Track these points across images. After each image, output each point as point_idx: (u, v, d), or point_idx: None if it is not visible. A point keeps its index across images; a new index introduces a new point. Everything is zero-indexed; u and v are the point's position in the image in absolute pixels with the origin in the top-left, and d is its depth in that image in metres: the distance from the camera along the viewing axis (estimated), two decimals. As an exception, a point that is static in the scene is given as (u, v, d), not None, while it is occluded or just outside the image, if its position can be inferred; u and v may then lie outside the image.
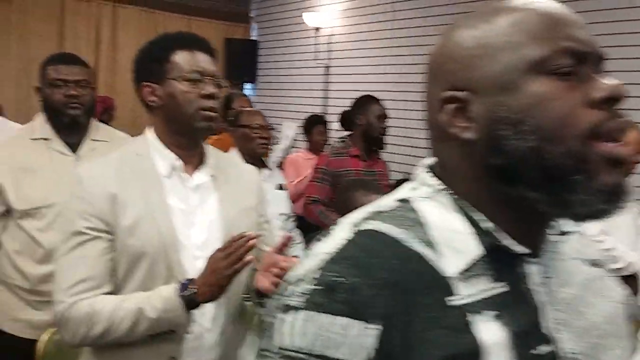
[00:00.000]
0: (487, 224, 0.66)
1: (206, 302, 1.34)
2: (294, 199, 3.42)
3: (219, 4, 7.01)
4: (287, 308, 0.61)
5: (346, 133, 4.72)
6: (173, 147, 1.45)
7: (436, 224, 0.65)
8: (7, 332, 2.00)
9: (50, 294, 1.90)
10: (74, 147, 2.08)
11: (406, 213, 0.67)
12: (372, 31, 5.58)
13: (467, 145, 0.66)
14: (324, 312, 0.58)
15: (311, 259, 0.64)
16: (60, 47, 5.98)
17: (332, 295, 0.59)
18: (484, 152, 0.65)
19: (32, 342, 1.89)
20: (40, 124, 2.08)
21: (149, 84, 1.43)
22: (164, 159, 1.44)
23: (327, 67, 6.08)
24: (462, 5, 4.78)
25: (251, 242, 1.28)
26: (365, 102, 3.20)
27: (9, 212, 1.99)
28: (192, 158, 1.47)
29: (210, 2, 6.95)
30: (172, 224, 1.39)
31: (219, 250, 1.32)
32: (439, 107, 0.69)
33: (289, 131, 4.58)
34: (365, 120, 3.13)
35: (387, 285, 0.59)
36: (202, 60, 1.43)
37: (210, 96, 1.40)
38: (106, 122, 5.60)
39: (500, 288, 0.64)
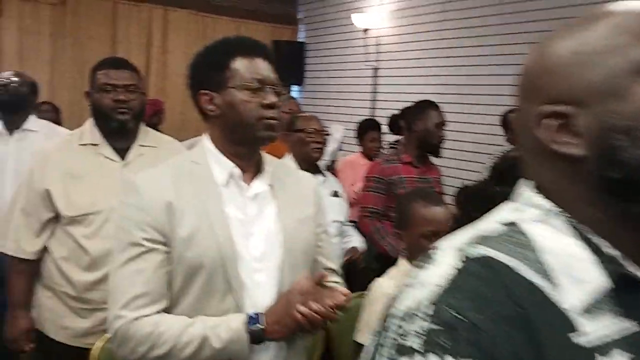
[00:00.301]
0: (611, 250, 0.59)
1: (273, 340, 1.31)
2: (354, 203, 3.34)
3: (266, 7, 7.01)
4: (403, 350, 0.55)
5: (395, 137, 4.70)
6: (231, 156, 1.41)
7: (551, 250, 0.59)
8: (54, 339, 2.00)
9: (95, 302, 1.93)
10: (122, 152, 2.07)
11: (515, 237, 0.61)
12: (422, 32, 5.47)
13: (575, 162, 0.60)
14: (451, 356, 0.52)
15: (419, 290, 0.58)
16: (113, 51, 6.10)
17: (455, 335, 0.53)
18: (598, 167, 0.59)
19: (77, 350, 1.90)
20: (89, 129, 2.08)
21: (206, 92, 1.39)
22: (221, 167, 1.40)
23: (376, 69, 5.99)
24: (514, 5, 4.63)
25: (340, 298, 1.22)
26: (425, 107, 3.08)
27: (57, 218, 1.99)
28: (250, 166, 1.43)
29: (258, 4, 6.96)
30: (231, 235, 1.35)
31: (298, 291, 1.27)
32: (537, 124, 0.63)
33: (336, 134, 4.52)
34: (423, 127, 3.02)
35: (512, 322, 0.53)
36: (263, 68, 1.39)
37: (271, 105, 1.36)
38: (155, 125, 5.71)
39: (633, 327, 0.57)
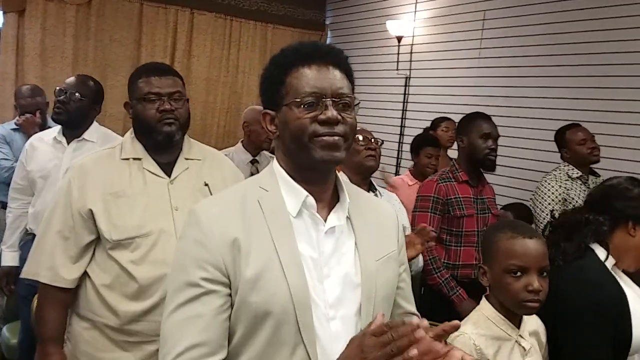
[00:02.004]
0: None
1: None
2: None
3: (294, 11, 6.82)
4: None
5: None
6: (301, 182, 1.20)
7: None
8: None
9: (143, 334, 1.71)
10: (166, 167, 1.87)
11: None
12: (459, 41, 5.23)
13: None
14: None
15: None
16: (137, 54, 5.93)
17: None
18: None
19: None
20: (129, 142, 1.88)
21: (268, 111, 1.22)
22: (293, 195, 1.19)
23: (408, 78, 5.76)
24: (557, 15, 4.39)
25: (418, 335, 0.96)
26: (470, 119, 2.86)
27: (98, 241, 1.79)
28: (323, 194, 1.22)
29: (286, 9, 6.76)
30: (304, 277, 1.13)
31: (371, 333, 1.03)
32: None
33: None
34: (467, 142, 2.79)
35: None
36: (322, 78, 1.17)
37: (328, 121, 1.14)
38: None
39: None
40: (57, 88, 2.83)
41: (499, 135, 2.81)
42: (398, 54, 5.70)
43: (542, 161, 4.32)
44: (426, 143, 3.87)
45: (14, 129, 3.82)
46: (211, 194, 1.86)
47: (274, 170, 1.22)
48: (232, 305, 1.12)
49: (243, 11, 6.48)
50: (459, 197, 2.76)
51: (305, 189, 1.18)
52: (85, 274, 1.81)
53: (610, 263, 1.77)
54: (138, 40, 5.93)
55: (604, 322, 1.65)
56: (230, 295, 1.12)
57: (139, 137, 1.88)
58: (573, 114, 4.13)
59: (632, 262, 1.79)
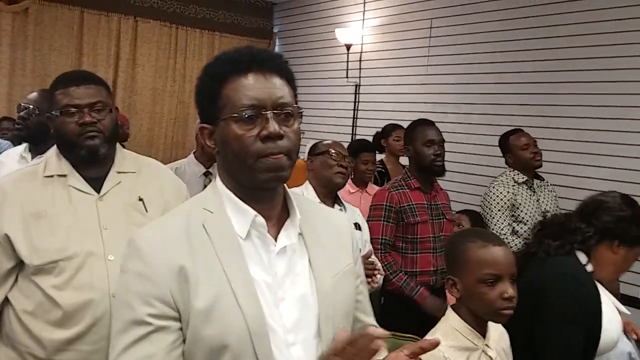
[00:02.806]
0: None
1: None
2: None
3: (241, 19, 6.74)
4: None
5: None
6: (247, 200, 1.11)
7: None
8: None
9: None
10: (95, 182, 1.73)
11: None
12: (407, 48, 5.28)
13: None
14: None
15: None
16: (78, 63, 5.72)
17: None
18: None
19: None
20: (54, 158, 1.74)
21: (205, 125, 1.12)
22: (241, 215, 1.10)
23: (358, 85, 5.78)
24: (502, 23, 4.49)
25: (376, 343, 0.93)
26: (411, 129, 2.89)
27: (19, 266, 1.65)
28: (272, 211, 1.13)
29: (232, 17, 6.68)
30: (259, 304, 1.05)
31: (333, 354, 0.97)
32: None
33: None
34: (413, 150, 2.81)
35: None
36: (262, 87, 1.07)
37: (272, 136, 1.05)
38: (119, 143, 5.33)
39: None
40: (19, 104, 2.65)
41: (444, 140, 2.84)
42: (347, 61, 5.70)
43: (491, 166, 4.39)
44: (362, 149, 3.84)
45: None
46: (146, 210, 1.75)
47: (218, 189, 1.13)
48: (184, 340, 1.03)
49: (189, 19, 6.36)
50: (412, 204, 2.76)
51: (252, 207, 1.11)
52: (6, 300, 1.67)
53: (589, 269, 1.82)
54: (79, 49, 5.73)
55: (581, 316, 1.69)
56: (181, 329, 1.03)
57: (63, 153, 1.74)
58: (517, 119, 4.22)
59: (607, 275, 1.85)
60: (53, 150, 1.77)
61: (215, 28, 6.54)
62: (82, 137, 1.68)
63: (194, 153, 3.34)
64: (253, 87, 1.07)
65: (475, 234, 1.62)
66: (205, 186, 3.27)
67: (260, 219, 1.10)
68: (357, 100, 5.81)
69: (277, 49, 6.94)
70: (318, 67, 6.18)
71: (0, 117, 4.96)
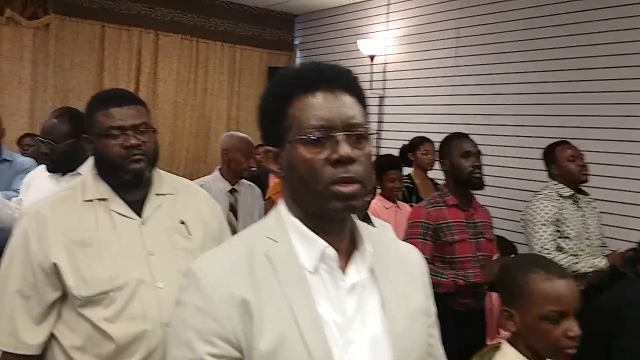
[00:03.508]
0: None
1: None
2: None
3: (262, 32, 6.67)
4: None
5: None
6: (315, 228, 1.00)
7: None
8: None
9: None
10: (135, 205, 1.64)
11: None
12: (433, 59, 5.15)
13: None
14: None
15: None
16: (99, 78, 5.68)
17: None
18: None
19: None
20: (92, 181, 1.65)
21: (269, 148, 1.03)
22: (308, 246, 0.99)
23: (382, 97, 5.65)
24: (534, 31, 4.34)
25: None
26: (447, 142, 2.75)
27: (65, 297, 1.55)
28: (341, 243, 1.01)
29: (253, 29, 6.61)
30: (329, 347, 0.93)
31: None
32: None
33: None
34: (449, 164, 2.67)
35: None
36: (331, 107, 0.97)
37: (343, 160, 0.94)
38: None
39: None
40: (37, 138, 2.59)
41: (481, 152, 2.70)
42: (371, 73, 5.59)
43: (525, 179, 4.23)
44: (388, 167, 3.70)
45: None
46: (189, 233, 1.67)
47: (282, 217, 1.02)
48: None
49: (210, 32, 6.30)
50: (450, 222, 2.62)
51: (322, 237, 0.99)
52: (52, 336, 1.57)
53: None
54: (100, 64, 5.69)
55: None
56: None
57: (103, 175, 1.65)
58: (553, 131, 4.07)
59: None
60: (88, 172, 1.67)
61: (236, 41, 6.47)
62: (127, 161, 1.58)
63: (219, 169, 3.25)
64: (321, 106, 0.96)
65: (537, 263, 1.48)
66: (230, 203, 3.17)
67: (331, 251, 0.98)
68: (381, 112, 5.69)
69: (298, 61, 6.86)
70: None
71: (23, 133, 4.92)
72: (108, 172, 1.62)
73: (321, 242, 0.98)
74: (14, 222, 2.67)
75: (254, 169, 3.42)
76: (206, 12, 6.27)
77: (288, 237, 1.00)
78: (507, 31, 4.54)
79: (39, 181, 2.58)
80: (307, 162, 0.94)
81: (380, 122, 5.69)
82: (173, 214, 1.68)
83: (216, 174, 3.21)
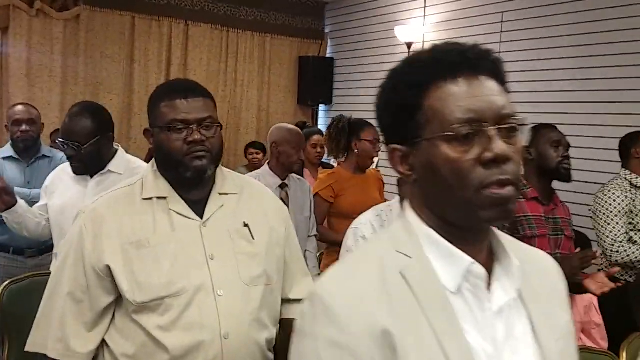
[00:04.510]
0: None
1: None
2: None
3: (292, 20, 6.51)
4: None
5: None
6: (452, 239, 0.85)
7: None
8: None
9: None
10: (196, 206, 1.52)
11: None
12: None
13: None
14: None
15: None
16: (130, 70, 5.56)
17: None
18: None
19: None
20: (151, 178, 1.53)
21: (397, 146, 0.87)
22: (449, 263, 0.84)
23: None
24: (587, 14, 4.13)
25: None
26: (535, 131, 2.58)
27: (118, 302, 1.45)
28: (479, 256, 0.85)
29: (284, 17, 6.45)
30: None
31: None
32: None
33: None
34: (536, 153, 2.50)
35: None
36: (482, 93, 0.81)
37: (498, 159, 0.79)
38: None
39: None
40: (58, 140, 2.36)
41: (570, 145, 2.53)
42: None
43: (589, 171, 4.05)
44: None
45: (5, 158, 3.43)
46: (252, 237, 1.54)
47: (412, 227, 0.87)
48: None
49: (240, 22, 6.15)
50: (529, 216, 2.45)
51: (461, 250, 0.84)
52: (102, 342, 1.47)
53: None
54: (131, 56, 5.57)
55: None
56: None
57: (163, 172, 1.53)
58: (605, 118, 3.88)
59: None
60: (149, 169, 1.55)
61: (266, 30, 6.32)
62: (188, 157, 1.46)
63: (268, 164, 3.11)
64: (467, 95, 0.80)
65: None
66: (281, 199, 3.03)
67: (479, 269, 0.82)
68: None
69: (328, 50, 6.69)
70: (375, 68, 5.90)
71: (54, 128, 4.83)
72: (168, 168, 1.50)
73: (467, 259, 0.82)
74: (44, 231, 2.55)
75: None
76: (236, 1, 6.13)
77: (422, 251, 0.84)
78: (557, 14, 4.32)
79: (64, 184, 2.43)
80: (453, 163, 0.79)
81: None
82: (236, 216, 1.56)
83: (265, 168, 3.07)
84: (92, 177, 2.36)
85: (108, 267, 1.41)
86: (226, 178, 1.60)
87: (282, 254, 1.62)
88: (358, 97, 6.19)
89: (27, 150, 3.29)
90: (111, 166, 2.37)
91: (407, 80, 0.85)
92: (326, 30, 6.71)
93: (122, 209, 1.47)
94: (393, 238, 0.87)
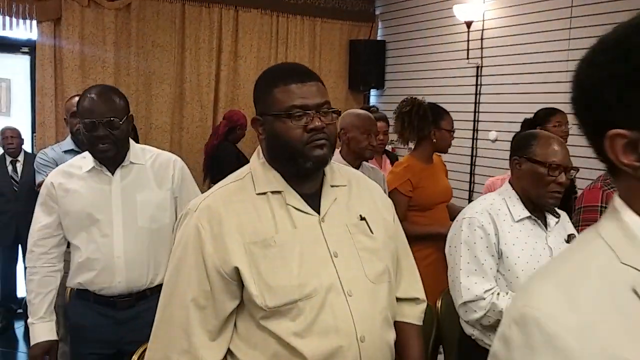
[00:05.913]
0: None
1: None
2: None
3: (342, 2, 6.31)
4: None
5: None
6: None
7: None
8: None
9: None
10: (310, 200, 1.41)
11: None
12: (540, 22, 4.69)
13: None
14: None
15: None
16: (181, 59, 5.47)
17: None
18: None
19: None
20: (261, 171, 1.42)
21: (621, 132, 0.73)
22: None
23: (479, 67, 5.23)
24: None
25: None
26: None
27: (240, 308, 1.34)
28: None
29: (333, 0, 6.26)
30: None
31: None
32: None
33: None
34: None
35: None
36: None
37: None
38: (234, 144, 5.02)
39: None
40: (86, 121, 2.09)
41: None
42: (468, 40, 5.16)
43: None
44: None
45: (66, 151, 3.38)
46: (371, 231, 1.43)
47: (635, 233, 0.70)
48: None
49: (289, 6, 5.99)
50: None
51: None
52: (228, 353, 1.36)
53: None
54: (181, 44, 5.47)
55: None
56: None
57: (274, 163, 1.41)
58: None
59: None
60: (256, 162, 1.44)
61: (316, 14, 6.14)
62: (309, 146, 1.35)
63: (340, 152, 2.97)
64: None
65: None
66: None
67: None
68: (478, 83, 5.27)
69: (379, 32, 6.48)
70: (432, 50, 5.66)
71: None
72: (285, 158, 1.39)
73: None
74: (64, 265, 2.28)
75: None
76: (285, -15, 5.97)
77: (615, 257, 0.69)
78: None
79: (74, 189, 2.21)
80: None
81: (478, 93, 5.28)
82: (350, 209, 1.45)
83: (337, 156, 2.93)
84: (112, 172, 2.22)
85: (236, 269, 1.30)
86: (334, 169, 1.50)
87: (396, 247, 1.52)
88: (411, 81, 5.97)
89: None
90: (131, 157, 2.23)
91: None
92: (377, 12, 6.49)
93: (238, 206, 1.36)
94: (612, 246, 0.71)
